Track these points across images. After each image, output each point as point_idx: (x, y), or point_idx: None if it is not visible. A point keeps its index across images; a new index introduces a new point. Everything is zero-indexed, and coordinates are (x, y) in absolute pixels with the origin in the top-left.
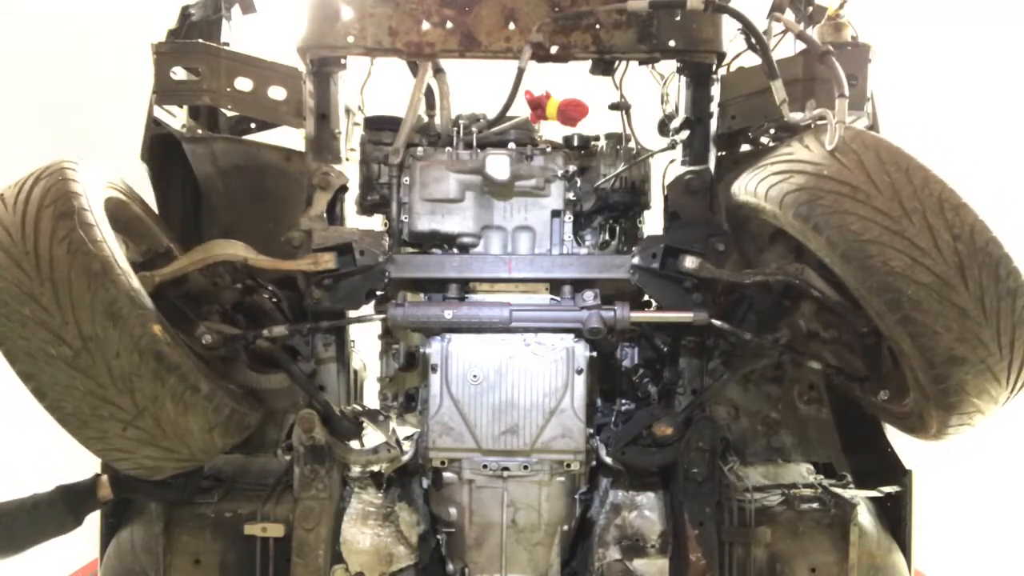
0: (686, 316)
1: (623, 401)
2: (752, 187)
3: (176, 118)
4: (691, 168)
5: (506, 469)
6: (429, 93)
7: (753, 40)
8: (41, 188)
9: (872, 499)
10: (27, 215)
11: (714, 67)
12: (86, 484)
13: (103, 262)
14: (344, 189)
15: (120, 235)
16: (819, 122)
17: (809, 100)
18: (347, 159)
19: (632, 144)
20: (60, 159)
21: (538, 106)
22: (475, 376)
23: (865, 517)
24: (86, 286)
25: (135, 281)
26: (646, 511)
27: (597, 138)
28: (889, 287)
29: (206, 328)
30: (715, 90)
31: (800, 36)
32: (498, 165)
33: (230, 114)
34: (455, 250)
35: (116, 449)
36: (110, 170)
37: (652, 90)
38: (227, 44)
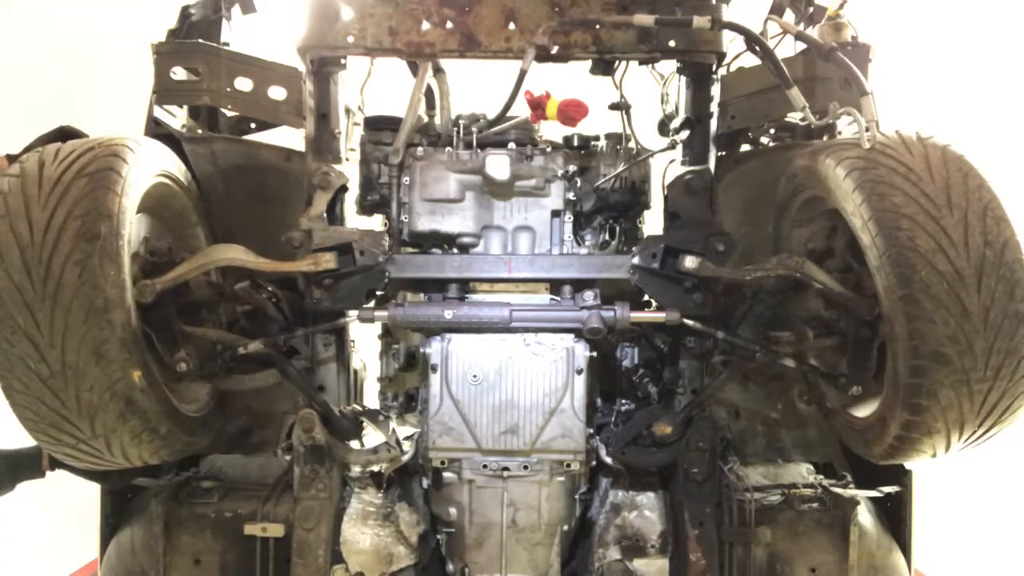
0: (658, 316)
1: (623, 401)
2: (817, 155)
3: (176, 118)
4: (691, 168)
5: (506, 469)
6: (429, 93)
7: (762, 52)
8: (79, 189)
9: (872, 499)
10: (55, 217)
11: (714, 67)
12: (28, 453)
13: (107, 300)
14: (344, 189)
15: (155, 222)
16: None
17: (832, 102)
18: (347, 159)
19: (632, 144)
20: (118, 142)
21: (538, 106)
22: (475, 376)
23: (865, 517)
24: (83, 318)
25: (134, 318)
26: (646, 511)
27: (597, 138)
28: (906, 261)
29: (182, 356)
30: (715, 90)
31: (801, 37)
32: (498, 165)
33: (230, 114)
34: (455, 250)
35: (64, 453)
36: (170, 155)
37: (652, 90)
38: (227, 44)
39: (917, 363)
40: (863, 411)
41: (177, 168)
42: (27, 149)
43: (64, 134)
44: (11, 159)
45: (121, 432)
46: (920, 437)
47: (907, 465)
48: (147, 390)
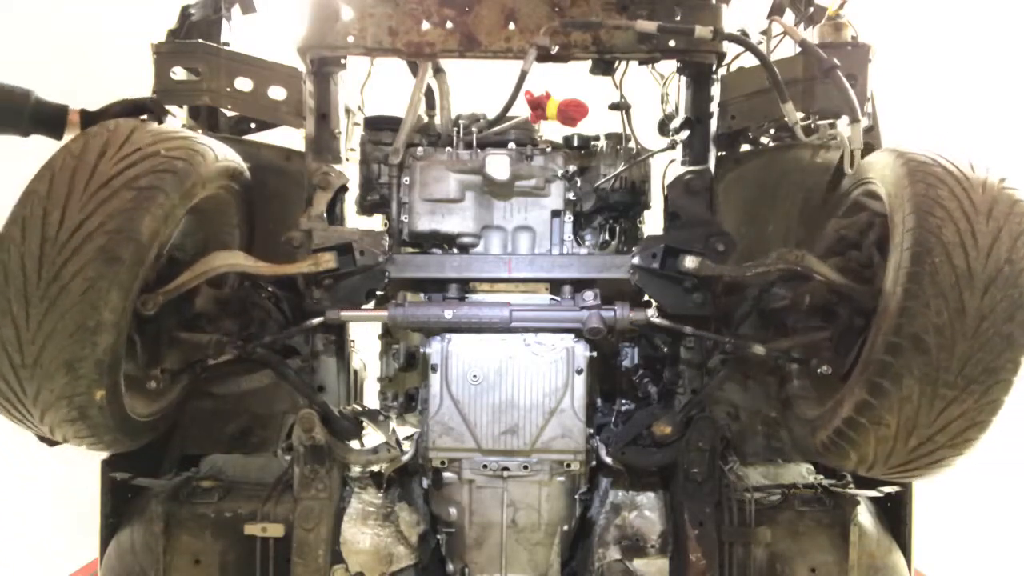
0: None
1: (623, 401)
2: (886, 152)
3: (176, 118)
4: (691, 168)
5: (506, 469)
6: (429, 93)
7: (762, 63)
8: (121, 202)
9: (872, 499)
10: (88, 222)
11: (714, 67)
12: (58, 111)
13: (100, 323)
14: (344, 189)
15: (196, 220)
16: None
17: (823, 123)
18: (347, 159)
19: (632, 144)
20: (183, 154)
21: (538, 106)
22: (475, 376)
23: (865, 517)
24: (70, 332)
25: (121, 341)
26: (646, 511)
27: (597, 138)
28: (926, 243)
29: (155, 375)
30: (715, 90)
31: (804, 47)
32: (498, 165)
33: (230, 114)
34: (455, 250)
35: (10, 420)
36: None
37: (652, 90)
38: (227, 44)
39: (895, 341)
40: (821, 404)
41: (237, 177)
42: (104, 112)
43: (147, 108)
44: (84, 118)
45: (67, 430)
46: (867, 426)
47: (848, 466)
48: (105, 408)
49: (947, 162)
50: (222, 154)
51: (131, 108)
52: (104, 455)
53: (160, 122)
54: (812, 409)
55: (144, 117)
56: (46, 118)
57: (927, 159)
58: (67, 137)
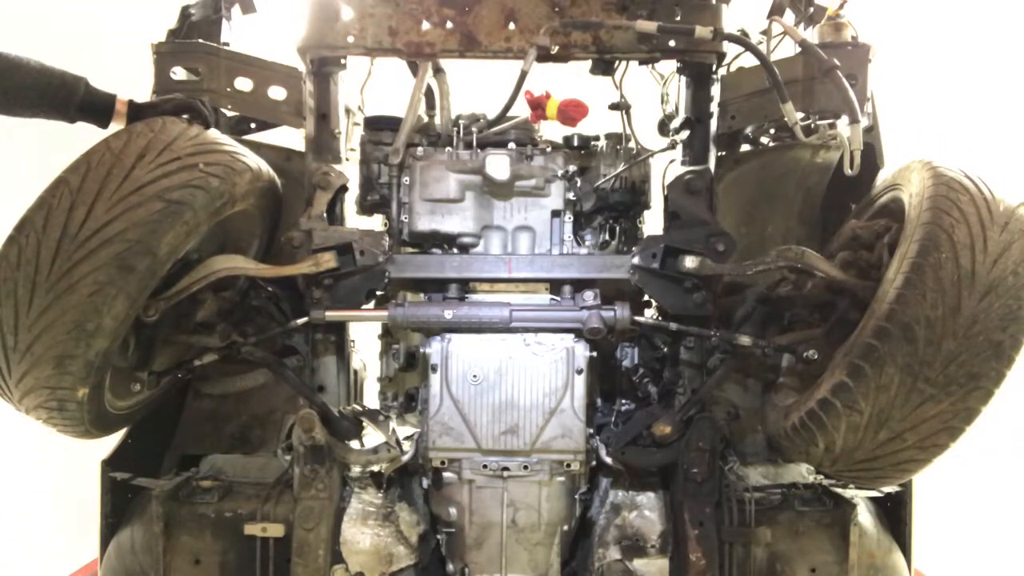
0: None
1: (623, 401)
2: (918, 161)
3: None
4: (691, 168)
5: (506, 469)
6: (429, 93)
7: (762, 63)
8: (146, 212)
9: (872, 499)
10: (110, 226)
11: (714, 67)
12: (106, 100)
13: (99, 328)
14: (344, 189)
15: (218, 229)
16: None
17: (823, 124)
18: (347, 159)
19: (632, 144)
20: (220, 171)
21: (538, 106)
22: (475, 376)
23: (865, 517)
24: (68, 329)
25: (115, 346)
26: (646, 511)
27: (597, 138)
28: (935, 238)
29: (140, 378)
30: (715, 90)
31: (804, 47)
32: (498, 165)
33: (230, 114)
34: (455, 250)
35: None
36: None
37: (652, 90)
38: (227, 44)
39: (885, 326)
40: (799, 393)
41: (270, 194)
42: (153, 107)
43: (196, 111)
44: (132, 110)
45: (42, 415)
46: (840, 410)
47: (813, 456)
48: (84, 404)
49: (975, 176)
50: (259, 171)
51: (181, 108)
52: (105, 456)
53: (207, 127)
54: (790, 397)
55: (187, 117)
56: (94, 107)
57: (955, 169)
58: (112, 127)
